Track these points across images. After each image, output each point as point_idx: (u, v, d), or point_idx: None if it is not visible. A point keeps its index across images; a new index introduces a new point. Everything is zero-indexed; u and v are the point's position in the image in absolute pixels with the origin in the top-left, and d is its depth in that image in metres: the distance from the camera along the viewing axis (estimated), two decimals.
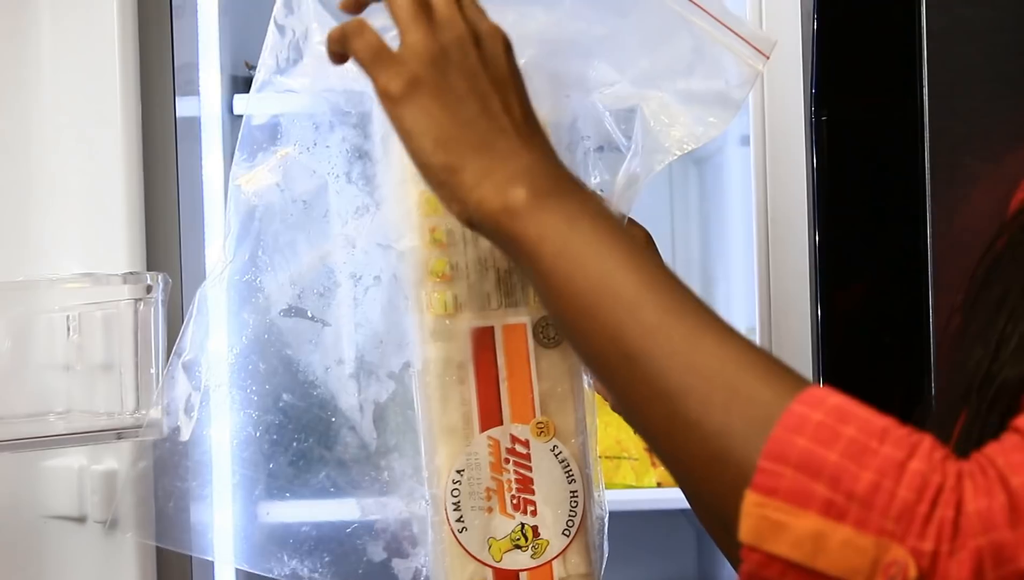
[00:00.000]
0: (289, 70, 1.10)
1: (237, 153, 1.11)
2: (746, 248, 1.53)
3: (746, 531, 0.75)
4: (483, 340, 1.08)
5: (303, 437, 1.13)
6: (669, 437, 0.82)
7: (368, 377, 1.11)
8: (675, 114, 1.12)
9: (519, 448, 1.08)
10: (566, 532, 1.09)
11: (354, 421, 1.12)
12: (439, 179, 0.90)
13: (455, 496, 1.08)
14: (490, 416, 1.08)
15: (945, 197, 1.39)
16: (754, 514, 0.75)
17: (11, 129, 1.38)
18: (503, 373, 1.08)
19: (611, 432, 1.71)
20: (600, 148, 1.12)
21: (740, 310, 1.63)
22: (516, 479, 1.08)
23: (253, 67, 1.69)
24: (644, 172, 1.11)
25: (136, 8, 1.39)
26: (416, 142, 0.90)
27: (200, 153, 1.58)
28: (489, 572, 1.08)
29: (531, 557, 1.09)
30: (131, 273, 1.34)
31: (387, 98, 0.91)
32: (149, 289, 1.29)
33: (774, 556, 0.74)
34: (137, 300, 1.29)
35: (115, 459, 1.37)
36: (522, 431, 1.09)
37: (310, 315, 1.12)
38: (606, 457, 1.69)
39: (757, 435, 0.76)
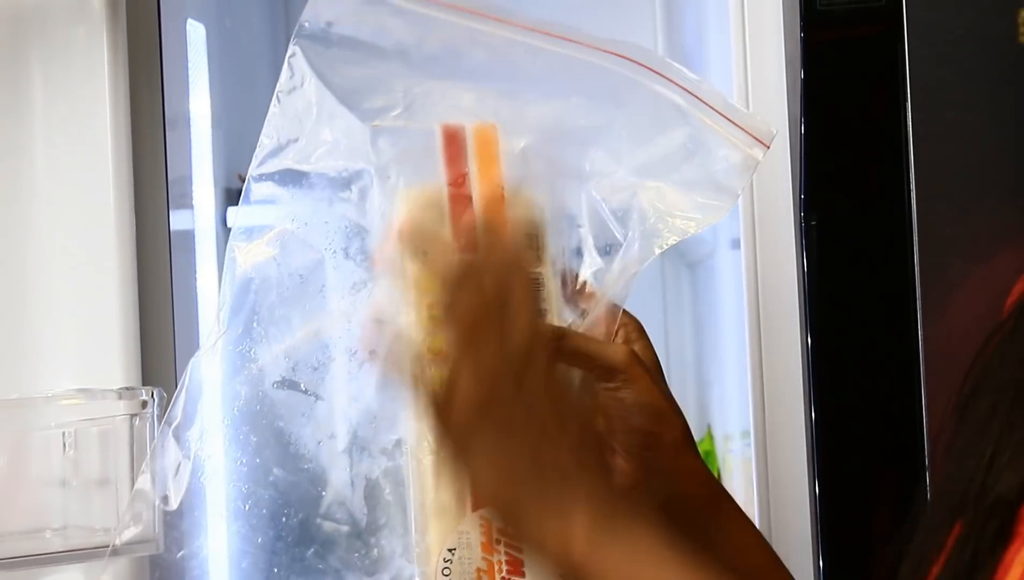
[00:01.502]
0: (289, 147, 1.11)
1: (235, 222, 1.12)
2: (739, 351, 1.53)
3: None
4: None
5: (292, 512, 1.13)
6: None
7: (360, 453, 1.10)
8: (672, 202, 1.12)
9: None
10: None
11: (345, 497, 1.11)
12: (501, 515, 0.94)
13: (445, 575, 1.06)
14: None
15: (934, 298, 1.39)
16: None
17: (4, 244, 1.38)
18: None
19: None
20: (596, 236, 1.12)
21: (734, 413, 1.63)
22: (507, 560, 1.06)
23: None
24: (640, 259, 1.11)
25: (129, 122, 1.40)
26: (479, 480, 0.93)
27: (194, 266, 1.58)
28: None
29: None
30: (126, 388, 1.34)
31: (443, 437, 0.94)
32: (144, 404, 1.30)
33: None
34: (132, 415, 1.29)
35: (112, 575, 1.35)
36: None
37: (303, 388, 1.11)
38: None
39: None
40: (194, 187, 1.60)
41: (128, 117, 1.40)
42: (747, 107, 1.47)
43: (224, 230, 1.67)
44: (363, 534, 1.11)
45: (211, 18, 1.70)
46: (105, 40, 1.37)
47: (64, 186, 1.39)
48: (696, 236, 1.74)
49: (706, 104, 1.13)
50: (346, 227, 1.11)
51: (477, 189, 1.12)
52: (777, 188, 1.47)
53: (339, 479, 1.11)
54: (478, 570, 1.06)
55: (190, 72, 1.60)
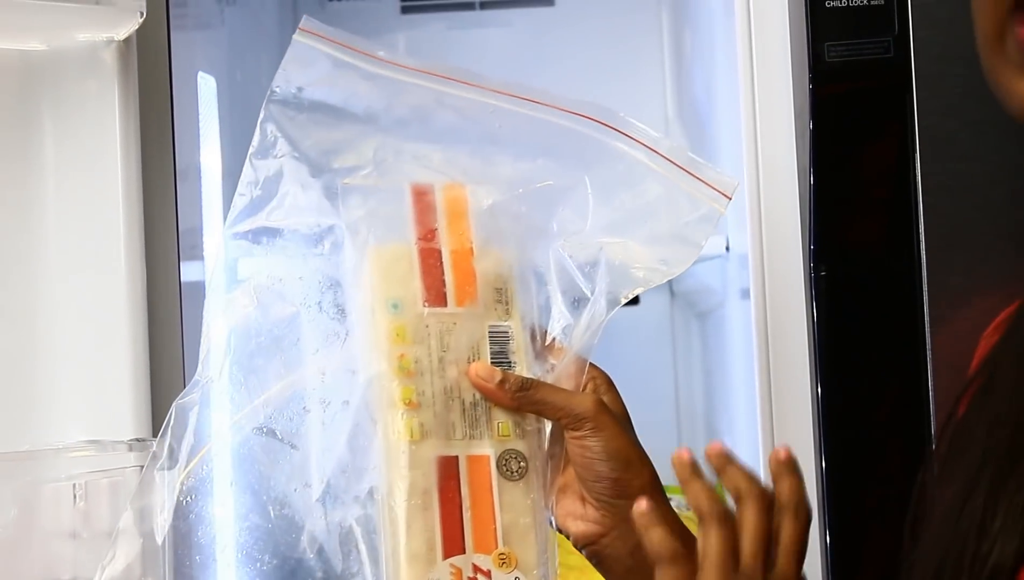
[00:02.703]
0: (263, 206, 1.14)
1: (212, 278, 1.16)
2: (749, 401, 1.53)
3: None
4: (447, 468, 1.10)
5: (268, 558, 1.14)
6: None
7: (334, 501, 1.11)
8: (637, 256, 1.15)
9: (481, 578, 1.09)
10: None
11: (320, 544, 1.12)
12: None
13: None
14: (453, 544, 1.09)
15: (944, 349, 1.39)
16: None
17: (15, 297, 1.38)
18: (466, 502, 1.09)
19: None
20: (564, 292, 1.14)
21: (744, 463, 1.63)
22: None
23: None
24: (606, 311, 1.13)
25: (141, 173, 1.40)
26: None
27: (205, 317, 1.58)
28: None
29: None
30: (137, 440, 1.34)
31: None
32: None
33: None
34: (143, 467, 1.29)
35: None
36: (484, 561, 1.09)
37: (279, 437, 1.13)
38: None
39: None
40: (205, 238, 1.61)
41: (139, 169, 1.40)
42: (756, 158, 1.48)
43: (235, 282, 1.67)
44: None
45: (222, 71, 1.71)
46: (116, 93, 1.38)
47: (75, 237, 1.39)
48: (706, 286, 1.75)
49: (668, 160, 1.17)
50: (319, 281, 1.14)
51: (447, 243, 1.15)
52: (786, 238, 1.47)
53: (315, 527, 1.12)
54: None
55: (201, 124, 1.61)
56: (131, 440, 1.34)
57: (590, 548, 1.10)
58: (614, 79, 2.03)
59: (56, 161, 1.39)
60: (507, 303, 1.15)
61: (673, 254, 1.15)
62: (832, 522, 1.41)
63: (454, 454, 1.10)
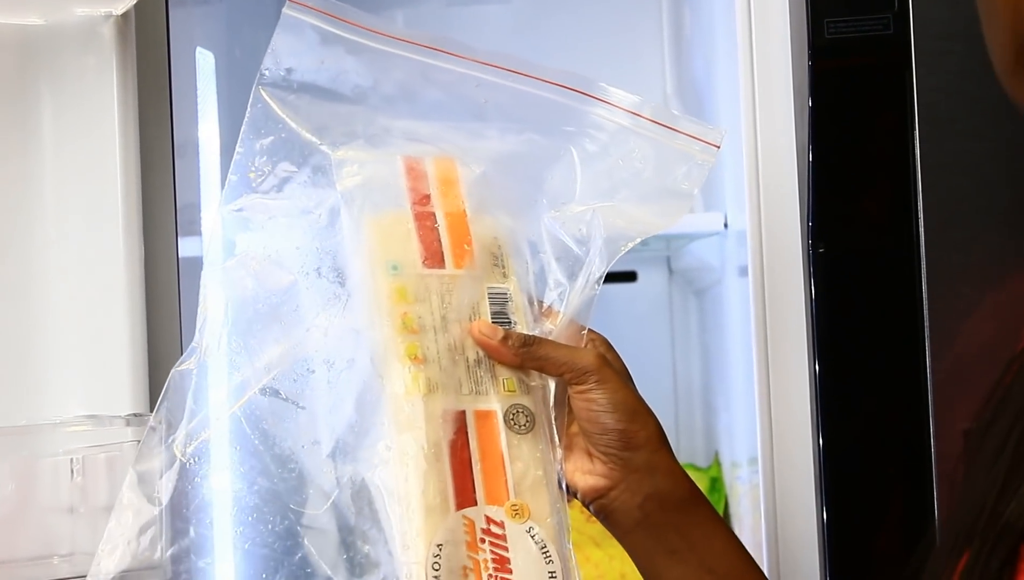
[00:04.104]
0: (256, 185, 1.16)
1: (208, 252, 1.17)
2: (746, 378, 1.53)
3: None
4: (456, 423, 1.11)
5: (278, 520, 1.14)
6: None
7: (344, 457, 1.12)
8: (629, 215, 1.17)
9: (494, 529, 1.09)
10: None
11: (333, 500, 1.13)
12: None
13: (435, 570, 1.07)
14: (465, 496, 1.09)
15: (942, 325, 1.39)
16: None
17: (13, 272, 1.38)
18: (476, 455, 1.10)
19: (615, 565, 1.71)
20: (558, 259, 1.16)
21: (742, 440, 1.63)
22: (493, 559, 1.09)
23: None
24: (600, 269, 1.15)
25: (139, 149, 1.40)
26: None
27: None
28: None
29: None
30: (134, 415, 1.34)
31: None
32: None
33: None
34: (140, 442, 1.29)
35: None
36: (497, 513, 1.10)
37: (284, 397, 1.14)
38: None
39: None
40: (203, 214, 1.61)
41: (137, 145, 1.40)
42: (755, 135, 1.48)
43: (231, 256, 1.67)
44: (351, 537, 1.13)
45: (220, 47, 1.71)
46: (115, 68, 1.38)
47: (73, 213, 1.39)
48: (704, 263, 1.75)
49: (652, 121, 1.18)
50: (317, 249, 1.15)
51: (440, 207, 1.17)
52: (785, 215, 1.47)
53: (325, 484, 1.13)
54: (464, 568, 1.08)
55: (199, 100, 1.61)
56: (128, 415, 1.34)
57: (598, 503, 1.11)
58: (613, 56, 2.03)
59: (54, 136, 1.39)
60: (503, 267, 1.16)
61: (666, 208, 1.17)
62: (830, 495, 1.42)
63: (462, 408, 1.11)
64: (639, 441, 1.09)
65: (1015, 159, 1.39)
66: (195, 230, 1.56)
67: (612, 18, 2.10)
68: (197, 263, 1.54)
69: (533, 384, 1.14)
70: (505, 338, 1.12)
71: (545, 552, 1.09)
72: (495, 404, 1.12)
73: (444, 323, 1.12)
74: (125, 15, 1.37)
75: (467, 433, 1.11)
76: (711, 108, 1.74)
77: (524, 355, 1.12)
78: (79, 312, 1.38)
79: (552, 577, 1.09)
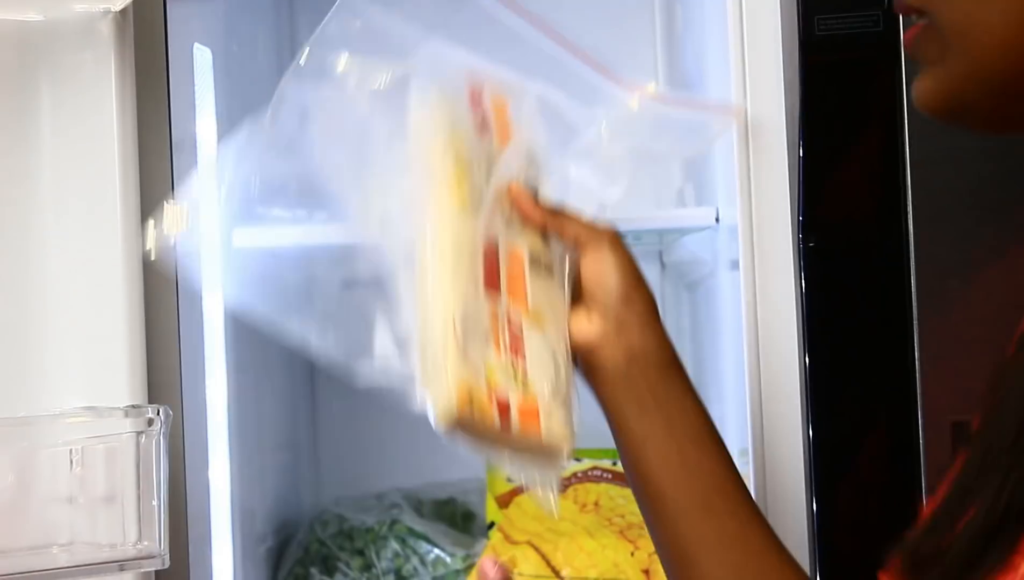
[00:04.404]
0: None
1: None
2: (737, 370, 1.54)
3: None
4: (489, 246, 1.20)
5: None
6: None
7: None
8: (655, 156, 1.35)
9: (513, 317, 1.19)
10: (552, 394, 1.17)
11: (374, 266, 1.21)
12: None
13: (458, 325, 1.14)
14: (491, 283, 1.19)
15: (931, 319, 1.40)
16: None
17: (14, 265, 1.40)
18: (503, 271, 1.20)
19: (608, 555, 1.72)
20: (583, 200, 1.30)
21: (733, 432, 1.64)
22: (510, 339, 1.17)
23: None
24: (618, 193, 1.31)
25: (137, 144, 1.41)
26: None
27: (200, 286, 1.58)
28: (483, 384, 1.14)
29: (521, 390, 1.16)
30: (133, 406, 1.35)
31: None
32: (151, 422, 1.31)
33: None
34: (139, 433, 1.31)
35: None
36: (516, 312, 1.19)
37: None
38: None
39: None
40: (201, 208, 1.61)
41: (135, 139, 1.41)
42: (746, 131, 1.49)
43: (230, 250, 1.68)
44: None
45: (218, 43, 1.71)
46: (113, 64, 1.39)
47: (72, 207, 1.40)
48: (696, 257, 1.77)
49: (678, 100, 1.32)
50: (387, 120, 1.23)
51: (491, 112, 1.27)
52: (775, 210, 1.48)
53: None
54: (485, 332, 1.17)
55: (197, 96, 1.61)
56: (127, 407, 1.35)
57: (589, 356, 1.19)
58: (606, 52, 2.04)
59: (53, 131, 1.40)
60: (536, 169, 1.26)
61: (688, 148, 1.33)
62: (820, 486, 1.43)
63: (496, 237, 1.21)
64: (636, 303, 1.18)
65: (1003, 154, 1.40)
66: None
67: (606, 14, 2.11)
68: (193, 258, 1.55)
69: (554, 249, 1.23)
70: (535, 200, 1.23)
71: (555, 358, 1.18)
72: (523, 248, 1.22)
73: (487, 178, 1.21)
74: (123, 11, 1.39)
75: (498, 259, 1.20)
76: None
77: (550, 216, 1.23)
78: (78, 306, 1.40)
79: (558, 375, 1.17)
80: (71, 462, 1.31)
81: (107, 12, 1.38)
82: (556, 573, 1.71)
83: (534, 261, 1.22)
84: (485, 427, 1.13)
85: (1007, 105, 0.93)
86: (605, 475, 1.89)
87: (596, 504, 1.84)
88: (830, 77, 1.46)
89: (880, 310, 1.41)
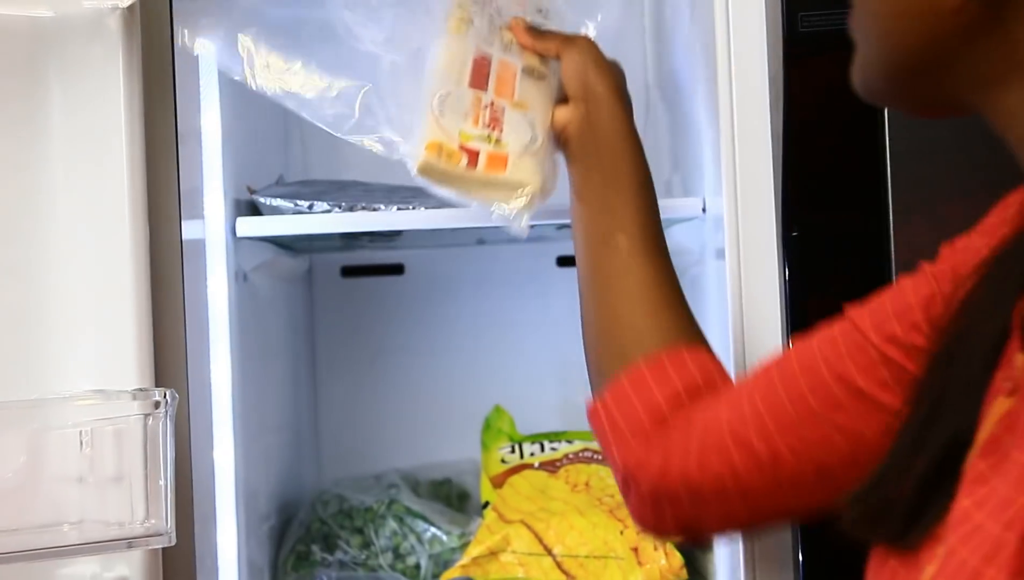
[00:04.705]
0: None
1: None
2: (723, 357, 1.57)
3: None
4: (482, 58, 1.45)
5: None
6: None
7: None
8: None
9: (497, 104, 1.43)
10: (523, 150, 1.42)
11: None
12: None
13: (441, 103, 1.41)
14: (478, 81, 1.44)
15: None
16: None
17: (25, 253, 1.41)
18: (493, 75, 1.45)
19: (599, 533, 1.74)
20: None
21: None
22: (490, 118, 1.42)
23: (255, 192, 1.74)
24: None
25: (143, 136, 1.42)
26: None
27: (205, 273, 1.61)
28: (455, 142, 1.40)
29: (493, 147, 1.41)
30: (140, 389, 1.37)
31: None
32: (157, 404, 1.33)
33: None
34: (146, 415, 1.32)
35: (126, 566, 1.39)
36: (501, 102, 1.44)
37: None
38: (593, 557, 1.73)
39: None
40: (205, 198, 1.63)
41: (142, 132, 1.42)
42: (732, 125, 1.51)
43: (233, 239, 1.69)
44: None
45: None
46: (121, 59, 1.40)
47: (81, 197, 1.40)
48: (683, 247, 1.79)
49: None
50: None
51: None
52: (760, 201, 1.51)
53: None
54: (464, 112, 1.42)
55: (202, 89, 1.63)
56: (134, 390, 1.36)
57: (564, 131, 1.44)
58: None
59: (62, 123, 1.40)
60: (545, 15, 1.49)
61: None
62: None
63: (490, 53, 1.45)
64: (602, 88, 1.42)
65: (980, 145, 1.42)
66: (197, 213, 1.59)
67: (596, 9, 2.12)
68: (199, 245, 1.58)
69: (550, 68, 1.46)
70: (529, 29, 1.48)
71: (532, 129, 1.43)
72: (517, 62, 1.46)
73: (492, 19, 1.47)
74: (131, 8, 1.40)
75: (490, 65, 1.45)
76: (690, 99, 1.77)
77: (538, 39, 1.47)
78: (87, 292, 1.40)
79: (532, 143, 1.42)
80: (81, 443, 1.31)
81: (115, 8, 1.39)
82: (548, 550, 1.74)
83: (529, 72, 1.45)
84: (452, 169, 1.39)
85: (910, 87, 0.98)
86: (595, 457, 1.92)
87: (587, 484, 1.86)
88: (812, 72, 1.49)
89: (861, 297, 1.43)
